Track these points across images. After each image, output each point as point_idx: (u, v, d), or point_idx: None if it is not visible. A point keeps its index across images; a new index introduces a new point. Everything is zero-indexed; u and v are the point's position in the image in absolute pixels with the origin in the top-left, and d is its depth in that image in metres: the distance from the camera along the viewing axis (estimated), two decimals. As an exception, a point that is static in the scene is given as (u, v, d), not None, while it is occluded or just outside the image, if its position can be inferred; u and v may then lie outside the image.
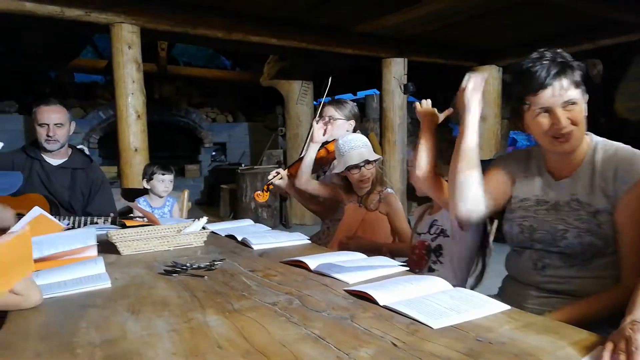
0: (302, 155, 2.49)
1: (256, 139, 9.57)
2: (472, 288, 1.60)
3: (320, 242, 2.31)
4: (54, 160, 2.41)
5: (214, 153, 9.40)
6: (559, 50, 1.26)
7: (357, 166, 2.02)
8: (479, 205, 1.32)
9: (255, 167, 7.20)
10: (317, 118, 2.45)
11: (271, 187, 2.39)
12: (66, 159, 2.45)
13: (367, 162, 2.03)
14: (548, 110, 1.22)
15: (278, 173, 2.39)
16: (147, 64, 4.11)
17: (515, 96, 1.27)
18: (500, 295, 1.45)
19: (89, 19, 3.77)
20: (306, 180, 2.24)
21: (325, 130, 2.27)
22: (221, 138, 9.41)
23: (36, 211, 1.82)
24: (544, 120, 1.23)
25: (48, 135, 2.34)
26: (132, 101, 3.91)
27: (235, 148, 9.58)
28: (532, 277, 1.34)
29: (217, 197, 7.63)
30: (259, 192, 2.43)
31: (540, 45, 1.36)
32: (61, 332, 1.00)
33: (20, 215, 1.99)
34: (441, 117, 1.63)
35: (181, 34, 4.27)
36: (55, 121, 2.35)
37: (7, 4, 3.49)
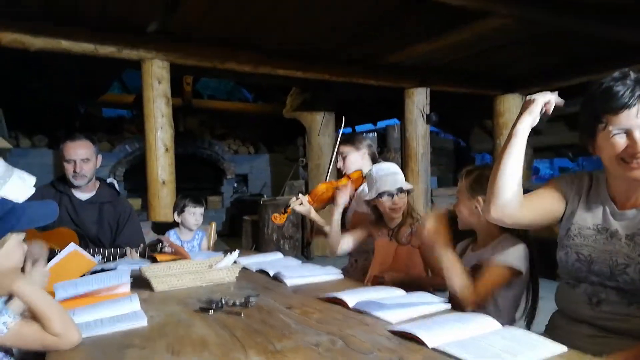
0: (326, 180, 2.51)
1: (277, 170, 9.63)
2: (527, 327, 1.53)
3: (349, 275, 2.26)
4: (82, 195, 2.44)
5: (235, 184, 9.47)
6: None
7: (390, 193, 1.99)
8: (515, 208, 1.28)
9: (277, 198, 7.21)
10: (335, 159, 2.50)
11: (289, 211, 2.36)
12: (94, 193, 2.47)
13: (401, 190, 2.00)
14: (626, 132, 1.17)
15: (298, 198, 2.38)
16: (173, 98, 4.20)
17: (592, 114, 1.23)
18: (548, 333, 1.37)
19: (121, 56, 3.90)
20: (338, 246, 2.18)
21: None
22: (243, 169, 9.50)
23: (70, 247, 1.83)
24: (620, 141, 1.18)
25: (75, 171, 2.36)
26: (161, 135, 3.99)
27: (256, 179, 9.65)
28: (586, 312, 1.27)
29: (239, 229, 7.63)
30: (276, 214, 2.40)
31: (565, 73, 1.34)
32: (102, 373, 0.98)
33: (51, 250, 2.01)
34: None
35: (210, 68, 4.38)
36: (81, 156, 2.37)
37: (45, 42, 3.63)
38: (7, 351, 1.15)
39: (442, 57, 4.97)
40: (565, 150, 7.62)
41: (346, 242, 2.20)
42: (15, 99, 6.56)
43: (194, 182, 8.60)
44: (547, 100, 1.27)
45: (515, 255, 1.50)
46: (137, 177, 6.93)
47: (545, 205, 1.37)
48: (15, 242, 1.18)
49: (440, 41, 4.39)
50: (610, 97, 1.17)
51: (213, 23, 3.84)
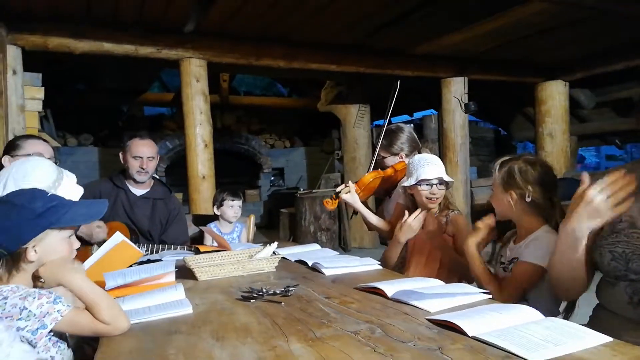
0: (369, 170, 2.51)
1: (313, 163, 9.69)
2: (566, 319, 1.49)
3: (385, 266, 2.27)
4: (138, 191, 2.55)
5: (272, 178, 9.61)
6: None
7: (429, 183, 1.98)
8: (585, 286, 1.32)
9: (313, 190, 7.26)
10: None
11: (340, 198, 2.38)
12: (148, 189, 2.59)
13: (441, 181, 1.99)
14: None
15: (347, 186, 2.39)
16: (211, 96, 4.30)
17: None
18: (591, 325, 1.34)
19: (160, 56, 4.02)
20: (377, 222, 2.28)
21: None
22: (279, 163, 9.61)
23: (118, 237, 1.92)
24: None
25: (141, 168, 2.48)
26: (200, 131, 4.09)
27: (292, 173, 9.75)
28: (627, 312, 1.22)
29: (277, 221, 7.74)
30: (328, 199, 2.43)
31: (610, 58, 1.26)
32: (152, 358, 1.03)
33: (104, 242, 2.11)
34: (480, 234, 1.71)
35: (245, 65, 4.45)
36: (148, 154, 2.49)
37: (89, 45, 3.80)
38: (61, 336, 1.22)
39: (480, 45, 4.85)
40: (612, 138, 7.28)
41: (383, 223, 2.32)
42: (62, 101, 6.86)
43: (232, 177, 8.77)
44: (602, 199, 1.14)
45: (542, 253, 1.47)
46: (177, 172, 7.14)
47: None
48: (56, 239, 1.22)
49: (477, 29, 4.29)
50: None
51: (246, 19, 3.90)
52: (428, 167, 2.00)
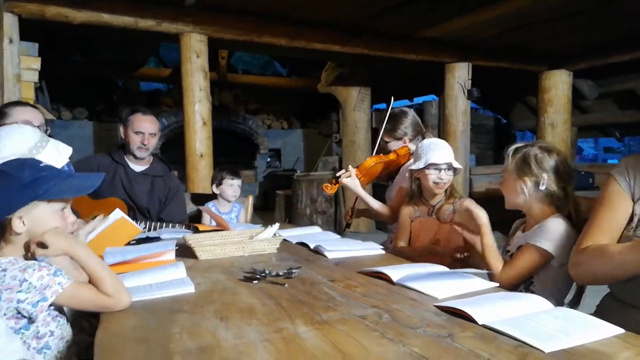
0: (373, 153, 2.48)
1: (310, 145, 9.64)
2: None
3: (388, 250, 2.25)
4: (137, 167, 2.50)
5: (269, 159, 9.55)
6: None
7: (438, 167, 1.95)
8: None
9: (310, 173, 7.22)
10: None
11: (340, 182, 2.35)
12: (148, 166, 2.54)
13: (450, 166, 1.96)
14: None
15: (347, 170, 2.36)
16: (210, 73, 4.22)
17: None
18: (599, 316, 1.33)
19: (160, 29, 3.93)
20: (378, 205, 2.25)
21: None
22: (276, 144, 9.55)
23: (117, 214, 1.89)
24: None
25: (143, 143, 2.43)
26: (198, 108, 4.03)
27: (289, 154, 9.70)
28: None
29: (272, 203, 7.72)
30: (327, 184, 2.40)
31: (616, 48, 1.22)
32: (155, 337, 1.00)
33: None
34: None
35: (246, 42, 4.36)
36: (150, 130, 2.44)
37: (87, 15, 3.70)
38: (61, 311, 1.19)
39: (485, 31, 4.78)
40: (612, 130, 7.28)
41: (385, 208, 2.28)
42: (58, 72, 6.73)
43: (228, 157, 8.71)
44: None
45: (550, 238, 1.45)
46: (173, 149, 7.07)
47: (619, 220, 1.29)
48: (46, 211, 1.17)
49: (482, 14, 4.22)
50: None
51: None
52: (438, 151, 1.97)
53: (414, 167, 2.02)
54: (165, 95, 9.09)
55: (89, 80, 8.17)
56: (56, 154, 1.60)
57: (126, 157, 2.48)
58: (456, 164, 1.99)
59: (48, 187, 1.15)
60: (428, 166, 1.96)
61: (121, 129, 2.47)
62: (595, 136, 9.41)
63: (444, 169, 1.96)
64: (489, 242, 1.55)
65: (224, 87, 9.06)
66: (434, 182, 1.97)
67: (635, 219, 1.26)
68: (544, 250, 1.47)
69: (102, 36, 5.73)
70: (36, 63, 3.71)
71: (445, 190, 2.02)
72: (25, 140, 1.53)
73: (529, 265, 1.50)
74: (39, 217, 1.16)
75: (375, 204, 2.40)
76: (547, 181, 1.51)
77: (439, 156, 1.95)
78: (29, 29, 3.67)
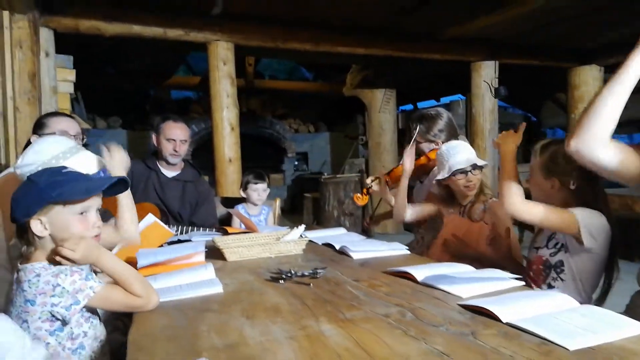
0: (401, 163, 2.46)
1: (337, 148, 9.67)
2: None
3: (415, 251, 2.24)
4: (169, 173, 2.59)
5: (296, 163, 9.64)
6: None
7: (463, 171, 1.94)
8: (599, 144, 1.17)
9: (337, 175, 7.24)
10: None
11: (371, 191, 2.35)
12: (179, 171, 2.62)
13: (475, 166, 1.94)
14: None
15: (378, 178, 2.36)
16: (237, 79, 4.30)
17: None
18: (628, 313, 1.30)
19: (188, 38, 4.04)
20: (404, 214, 2.14)
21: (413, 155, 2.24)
22: (303, 148, 9.63)
23: (150, 218, 1.96)
24: None
25: (175, 150, 2.51)
26: (226, 114, 4.11)
27: (316, 157, 9.76)
28: None
29: (300, 206, 7.78)
30: (358, 194, 2.41)
31: None
32: (185, 335, 1.04)
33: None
34: (518, 137, 1.58)
35: (272, 48, 4.43)
36: (181, 137, 2.52)
37: (119, 27, 3.84)
38: (93, 312, 1.24)
39: (511, 29, 4.70)
40: (648, 125, 7.02)
41: (412, 211, 2.17)
42: (92, 84, 6.99)
43: (257, 161, 8.81)
44: None
45: (588, 220, 1.42)
46: (203, 155, 7.21)
47: (631, 157, 1.23)
48: (63, 213, 1.19)
49: (509, 12, 4.15)
50: None
51: (273, 1, 3.86)
52: (459, 155, 1.94)
53: (439, 177, 2.00)
54: (195, 102, 9.29)
55: (122, 91, 8.44)
56: (85, 163, 1.67)
57: (159, 163, 2.57)
58: (480, 162, 1.96)
59: (60, 191, 1.18)
60: (454, 173, 1.94)
61: (153, 137, 2.55)
62: (629, 132, 9.07)
63: (470, 171, 1.94)
64: (506, 167, 1.53)
65: (251, 94, 9.21)
66: (464, 186, 1.96)
67: None
68: (573, 217, 1.43)
69: (133, 48, 5.91)
70: (71, 75, 3.87)
71: (480, 187, 1.99)
72: (51, 148, 1.61)
73: (555, 221, 1.46)
74: (58, 219, 1.19)
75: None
76: (577, 180, 1.48)
77: (462, 160, 1.93)
78: (63, 42, 3.83)
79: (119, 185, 1.36)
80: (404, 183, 2.12)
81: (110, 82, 8.07)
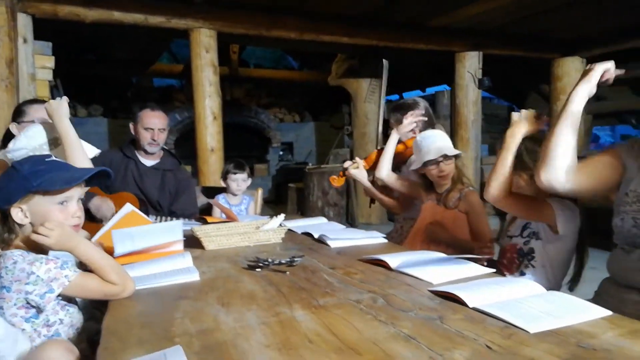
0: (379, 147, 2.48)
1: (322, 138, 9.67)
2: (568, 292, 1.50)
3: (394, 240, 2.28)
4: (148, 162, 2.57)
5: (281, 152, 9.62)
6: None
7: (435, 161, 1.97)
8: (568, 174, 1.28)
9: (322, 166, 7.26)
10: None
11: (347, 174, 2.38)
12: (158, 160, 2.60)
13: (446, 156, 1.97)
14: None
15: (355, 161, 2.38)
16: (220, 68, 4.27)
17: None
18: (596, 299, 1.35)
19: (170, 25, 3.99)
20: (387, 172, 2.22)
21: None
22: (288, 138, 9.61)
23: (128, 207, 1.95)
24: None
25: (153, 139, 2.49)
26: (209, 103, 4.09)
27: (301, 147, 9.75)
28: (638, 278, 1.23)
29: (285, 196, 7.78)
30: (334, 176, 2.43)
31: (629, 34, 1.28)
32: (159, 321, 1.06)
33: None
34: (534, 126, 1.55)
35: (256, 36, 4.40)
36: (159, 126, 2.50)
37: (99, 13, 3.77)
38: (70, 300, 1.25)
39: (496, 19, 4.73)
40: (628, 117, 7.16)
41: (393, 178, 2.24)
42: (72, 71, 6.87)
43: (241, 151, 8.79)
44: (606, 68, 1.26)
45: (563, 209, 1.47)
46: (186, 145, 7.16)
47: (600, 172, 1.32)
48: (44, 203, 1.21)
49: (494, 1, 4.18)
50: None
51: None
52: (431, 146, 1.97)
53: (413, 167, 2.05)
54: (178, 91, 9.19)
55: (103, 78, 8.31)
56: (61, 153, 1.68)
57: (137, 152, 2.55)
58: (451, 151, 1.97)
59: (41, 180, 1.19)
60: (426, 163, 1.98)
61: (131, 126, 2.53)
62: (611, 124, 9.25)
63: (441, 161, 1.97)
64: (502, 154, 1.51)
65: (235, 82, 9.13)
66: (438, 176, 1.99)
67: (631, 195, 1.28)
68: (551, 206, 1.48)
69: (114, 34, 5.82)
70: (50, 62, 3.80)
71: (453, 177, 2.02)
72: (39, 136, 1.61)
73: (531, 207, 1.51)
74: (38, 208, 1.20)
75: (381, 195, 2.43)
76: None
77: (432, 151, 1.96)
78: (42, 28, 3.75)
79: (102, 175, 1.37)
80: (394, 139, 2.25)
81: (92, 69, 7.94)
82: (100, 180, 1.40)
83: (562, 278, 1.55)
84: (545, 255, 1.52)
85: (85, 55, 7.82)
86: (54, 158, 1.29)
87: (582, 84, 1.27)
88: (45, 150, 1.68)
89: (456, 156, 2.01)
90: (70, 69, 6.53)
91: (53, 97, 4.59)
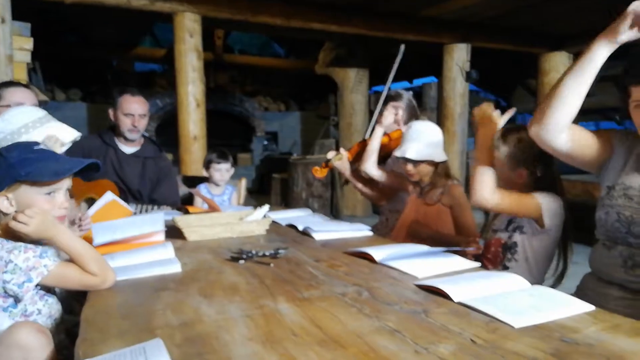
0: (365, 138, 2.47)
1: (308, 128, 9.61)
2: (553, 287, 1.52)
3: (379, 233, 2.28)
4: (128, 149, 2.51)
5: (265, 142, 9.53)
6: None
7: (404, 159, 1.95)
8: (559, 131, 1.21)
9: (307, 156, 7.23)
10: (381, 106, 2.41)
11: (330, 165, 2.36)
12: (139, 147, 2.54)
13: (406, 160, 1.93)
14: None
15: (338, 152, 2.37)
16: (204, 53, 4.18)
17: (621, 82, 1.17)
18: (578, 294, 1.36)
19: (153, 8, 3.90)
20: (372, 164, 2.20)
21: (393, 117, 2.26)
22: (273, 127, 9.52)
23: (109, 196, 1.91)
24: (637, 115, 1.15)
25: (133, 125, 2.42)
26: (192, 89, 4.01)
27: (286, 137, 9.67)
28: (619, 275, 1.25)
29: (268, 186, 7.74)
30: (317, 167, 2.41)
31: None
32: (139, 313, 1.03)
33: (92, 200, 2.10)
34: (502, 121, 1.52)
35: (241, 21, 4.32)
36: (139, 112, 2.43)
37: (79, -5, 3.66)
38: (49, 290, 1.22)
39: (485, 11, 4.72)
40: (612, 113, 7.27)
41: (378, 171, 2.22)
42: (51, 53, 6.68)
43: (224, 139, 8.70)
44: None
45: (549, 204, 1.47)
46: (168, 132, 7.05)
47: (590, 143, 1.29)
48: (30, 193, 1.18)
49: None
50: (631, 67, 1.12)
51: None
52: (404, 144, 1.95)
53: (394, 153, 2.02)
54: (160, 76, 9.01)
55: (83, 61, 8.11)
56: (56, 133, 1.65)
57: (116, 139, 2.48)
58: (413, 156, 1.91)
59: (30, 170, 1.16)
60: (397, 158, 1.97)
61: (110, 112, 2.46)
62: (595, 120, 9.39)
63: (409, 162, 1.94)
64: (483, 154, 1.46)
65: (220, 68, 8.99)
66: (407, 174, 1.99)
67: (618, 188, 1.28)
68: (542, 211, 1.47)
69: (95, 16, 5.67)
70: (28, 43, 3.68)
71: (438, 173, 2.00)
72: (21, 117, 1.59)
73: (522, 209, 1.48)
74: (24, 198, 1.17)
75: (364, 188, 2.42)
76: (542, 166, 1.52)
77: (401, 149, 1.94)
78: (21, 8, 3.63)
79: (91, 168, 1.33)
80: (379, 132, 2.23)
81: (71, 51, 7.74)
82: (88, 172, 1.36)
83: (545, 272, 1.56)
84: (528, 249, 1.53)
85: (64, 37, 7.62)
86: (42, 146, 1.26)
87: (606, 33, 1.13)
88: (24, 134, 1.63)
89: (416, 162, 1.96)
90: (49, 51, 6.34)
91: (31, 80, 4.46)
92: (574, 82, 1.17)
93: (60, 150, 1.67)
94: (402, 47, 2.46)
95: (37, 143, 1.28)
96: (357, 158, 2.42)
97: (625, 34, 1.10)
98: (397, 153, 1.96)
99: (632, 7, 1.08)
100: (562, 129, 1.21)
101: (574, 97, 1.18)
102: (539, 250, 1.52)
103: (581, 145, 1.28)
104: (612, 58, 1.18)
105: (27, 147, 1.23)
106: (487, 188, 1.40)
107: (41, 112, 1.68)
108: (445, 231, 1.95)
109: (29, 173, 1.16)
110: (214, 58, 8.58)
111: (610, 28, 1.12)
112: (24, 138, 1.59)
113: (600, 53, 1.14)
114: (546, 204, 1.47)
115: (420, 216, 1.99)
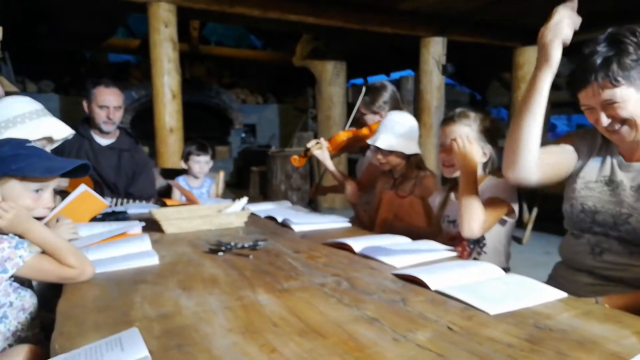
0: (345, 128, 2.48)
1: (286, 121, 9.57)
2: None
3: (355, 225, 2.29)
4: (103, 141, 2.45)
5: (243, 135, 9.45)
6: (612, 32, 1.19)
7: (376, 148, 1.96)
8: (534, 168, 1.24)
9: (285, 149, 7.21)
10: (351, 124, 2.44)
11: (309, 154, 2.36)
12: (114, 139, 2.49)
13: (378, 149, 1.95)
14: (591, 109, 1.20)
15: (318, 142, 2.36)
16: (180, 44, 4.10)
17: (569, 90, 1.23)
18: (550, 282, 1.40)
19: (127, -2, 3.80)
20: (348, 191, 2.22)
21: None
22: (251, 119, 9.45)
23: (81, 188, 1.86)
24: (590, 116, 1.21)
25: (108, 117, 2.38)
26: (167, 81, 3.94)
27: (265, 130, 9.61)
28: (588, 262, 1.29)
29: (247, 179, 7.69)
30: (295, 156, 2.40)
31: (587, 26, 1.28)
32: (117, 305, 1.02)
33: (65, 193, 2.05)
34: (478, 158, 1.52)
35: (217, 12, 4.26)
36: (114, 104, 2.39)
37: (49, -17, 3.54)
38: (23, 283, 1.19)
39: (461, 4, 4.76)
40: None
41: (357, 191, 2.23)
42: (23, 43, 6.48)
43: (201, 131, 8.59)
44: (565, 36, 1.15)
45: (509, 193, 1.51)
46: (143, 124, 6.92)
47: (558, 161, 1.35)
48: (18, 188, 1.19)
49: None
50: (572, 75, 1.19)
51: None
52: (378, 132, 1.97)
53: (369, 140, 2.03)
54: (135, 67, 8.83)
55: (55, 52, 7.88)
56: (49, 127, 1.64)
57: (92, 130, 2.43)
58: (383, 145, 1.92)
59: (20, 165, 1.17)
60: (369, 145, 1.99)
61: (84, 104, 2.40)
62: (568, 113, 9.62)
63: (380, 151, 1.96)
64: (469, 187, 1.42)
65: (195, 60, 8.86)
66: (379, 163, 2.00)
67: (579, 181, 1.33)
68: (511, 206, 1.50)
69: (67, 6, 5.51)
70: (-3, 33, 3.55)
71: (410, 164, 2.02)
72: (14, 108, 1.61)
73: (499, 217, 1.51)
74: (11, 192, 1.18)
75: (342, 178, 2.43)
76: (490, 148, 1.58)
77: (374, 137, 1.95)
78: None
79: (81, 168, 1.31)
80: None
81: (43, 42, 7.51)
82: (77, 172, 1.34)
83: (508, 259, 1.61)
84: (496, 238, 1.56)
85: (36, 27, 7.38)
86: (33, 144, 1.25)
87: (543, 65, 1.16)
88: (19, 124, 1.61)
89: (388, 152, 1.97)
90: (19, 41, 6.14)
91: (0, 71, 4.31)
92: (531, 120, 1.19)
93: (49, 147, 1.65)
94: (364, 89, 2.48)
95: (28, 140, 1.29)
96: (336, 148, 2.42)
97: (556, 56, 1.16)
98: (370, 140, 1.97)
99: (542, 39, 1.18)
100: (533, 169, 1.25)
101: (534, 138, 1.20)
102: (506, 234, 1.57)
103: (554, 168, 1.33)
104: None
105: (19, 144, 1.24)
106: (476, 221, 1.38)
107: (38, 105, 1.70)
108: (418, 223, 1.96)
109: (20, 168, 1.17)
110: (190, 49, 8.45)
111: (541, 58, 1.16)
112: (18, 128, 1.59)
113: (545, 82, 1.17)
114: (508, 197, 1.49)
115: (394, 209, 2.00)
